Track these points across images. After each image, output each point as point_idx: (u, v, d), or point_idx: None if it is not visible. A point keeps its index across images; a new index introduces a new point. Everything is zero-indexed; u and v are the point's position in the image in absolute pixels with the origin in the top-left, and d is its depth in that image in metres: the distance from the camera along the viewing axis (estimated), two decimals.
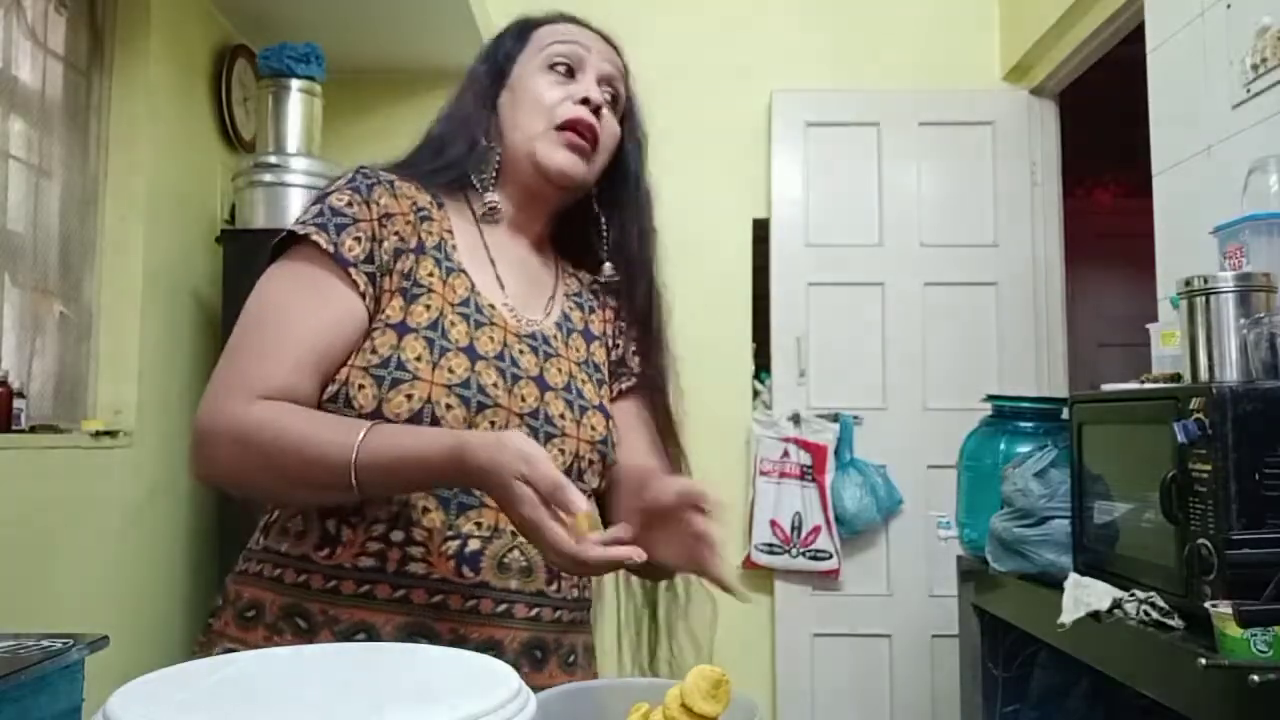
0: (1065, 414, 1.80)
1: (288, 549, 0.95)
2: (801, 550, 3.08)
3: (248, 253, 2.91)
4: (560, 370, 1.05)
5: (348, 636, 0.91)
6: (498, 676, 0.66)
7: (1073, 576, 1.58)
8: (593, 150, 1.07)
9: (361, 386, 0.93)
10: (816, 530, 3.08)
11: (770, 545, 3.11)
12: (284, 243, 0.98)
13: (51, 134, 2.48)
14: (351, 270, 0.95)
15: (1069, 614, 1.51)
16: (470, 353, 0.97)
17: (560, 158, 1.06)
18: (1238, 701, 1.12)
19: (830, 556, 3.07)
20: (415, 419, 0.92)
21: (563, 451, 1.01)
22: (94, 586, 2.42)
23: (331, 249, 0.95)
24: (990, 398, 2.24)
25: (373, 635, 0.91)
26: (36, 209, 2.41)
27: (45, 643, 1.60)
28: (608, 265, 1.14)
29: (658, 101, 3.57)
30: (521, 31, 1.13)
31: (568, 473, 0.99)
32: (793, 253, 3.23)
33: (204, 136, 3.06)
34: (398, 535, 0.93)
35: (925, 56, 3.32)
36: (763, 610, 3.18)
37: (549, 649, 0.98)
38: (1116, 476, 1.58)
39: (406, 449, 0.87)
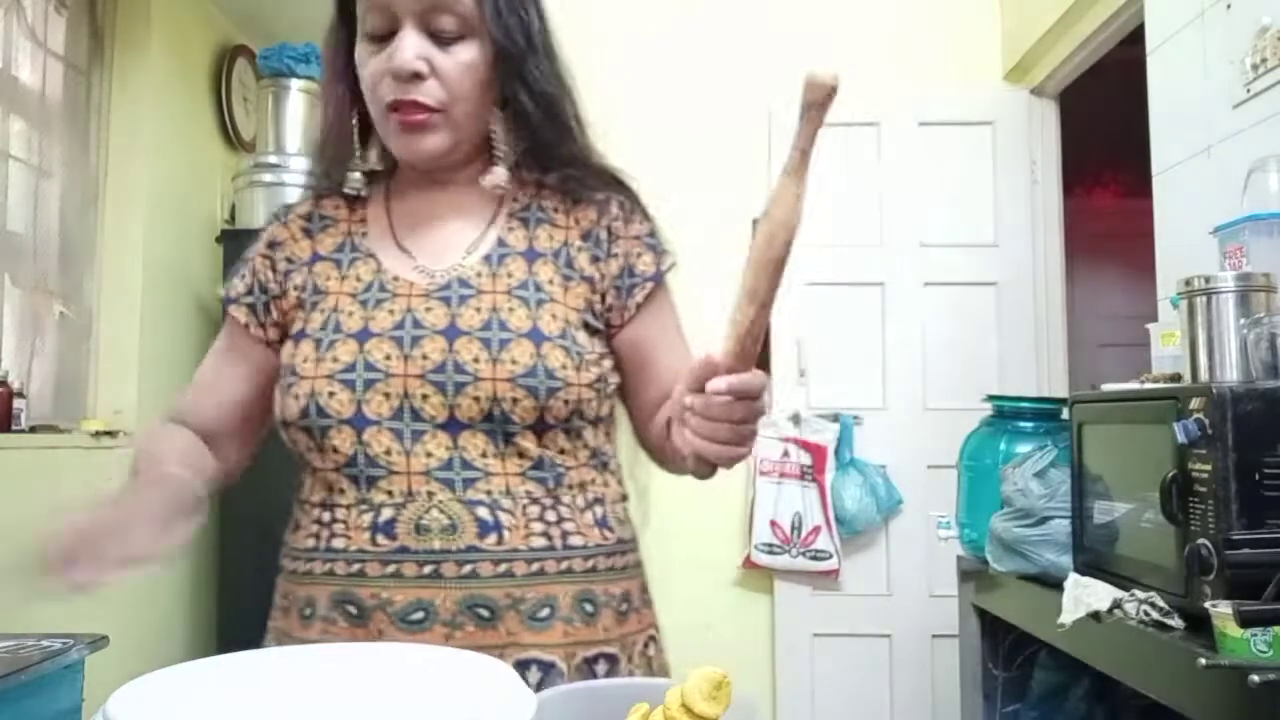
0: (1065, 414, 1.80)
1: (285, 536, 1.05)
2: (801, 550, 3.08)
3: None
4: (480, 309, 0.98)
5: (300, 611, 0.98)
6: (498, 677, 0.66)
7: (1073, 576, 1.58)
8: (435, 114, 0.98)
9: (277, 398, 1.01)
10: (816, 530, 3.08)
11: (770, 545, 3.10)
12: None
13: (51, 134, 2.48)
14: (231, 307, 1.07)
15: (1069, 614, 1.51)
16: (361, 335, 0.97)
17: (401, 145, 1.00)
18: (1238, 701, 1.12)
19: (830, 556, 3.07)
20: (304, 414, 0.96)
21: (476, 399, 0.94)
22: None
23: (224, 293, 1.09)
24: (990, 398, 2.24)
25: (314, 608, 0.97)
26: (36, 209, 2.41)
27: (45, 643, 1.60)
28: (496, 171, 1.03)
29: (659, 102, 3.56)
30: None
31: (488, 418, 0.94)
32: (793, 253, 3.22)
33: (204, 136, 3.06)
34: (325, 516, 0.98)
35: (925, 56, 3.32)
36: (763, 610, 3.18)
37: (498, 606, 0.93)
38: (1116, 476, 1.58)
39: None
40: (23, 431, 2.19)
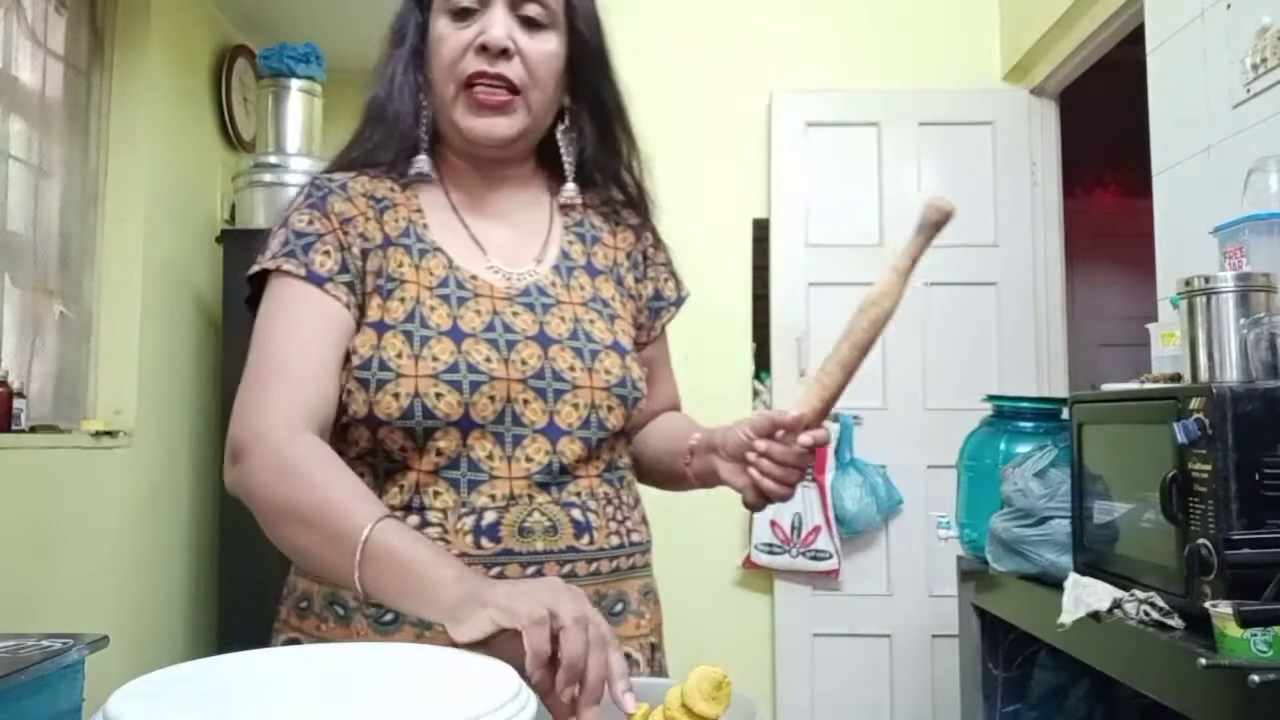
0: (1065, 414, 1.80)
1: None
2: (801, 550, 3.08)
3: (248, 253, 2.90)
4: (564, 318, 1.00)
5: (376, 620, 0.92)
6: (498, 676, 0.66)
7: (1073, 576, 1.58)
8: (515, 96, 0.98)
9: (350, 392, 0.94)
10: (816, 530, 3.08)
11: (770, 545, 3.10)
12: (263, 277, 0.99)
13: (51, 134, 2.48)
14: (329, 286, 0.96)
15: (1069, 614, 1.51)
16: (455, 334, 0.95)
17: (473, 124, 0.99)
18: (1238, 701, 1.12)
19: (830, 556, 3.07)
20: (407, 415, 0.92)
21: (576, 406, 0.97)
22: (94, 586, 2.42)
23: (304, 272, 0.96)
24: (990, 398, 2.24)
25: (399, 614, 0.91)
26: (36, 209, 2.41)
27: (45, 643, 1.60)
28: (568, 187, 1.07)
29: (659, 102, 3.58)
30: None
31: (585, 425, 0.97)
32: (793, 253, 3.23)
33: (204, 136, 3.06)
34: (414, 520, 0.93)
35: (925, 56, 3.32)
36: (763, 610, 3.18)
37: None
38: (1116, 476, 1.58)
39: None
40: (23, 431, 2.19)
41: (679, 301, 1.16)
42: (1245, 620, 1.08)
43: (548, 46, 0.99)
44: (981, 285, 3.19)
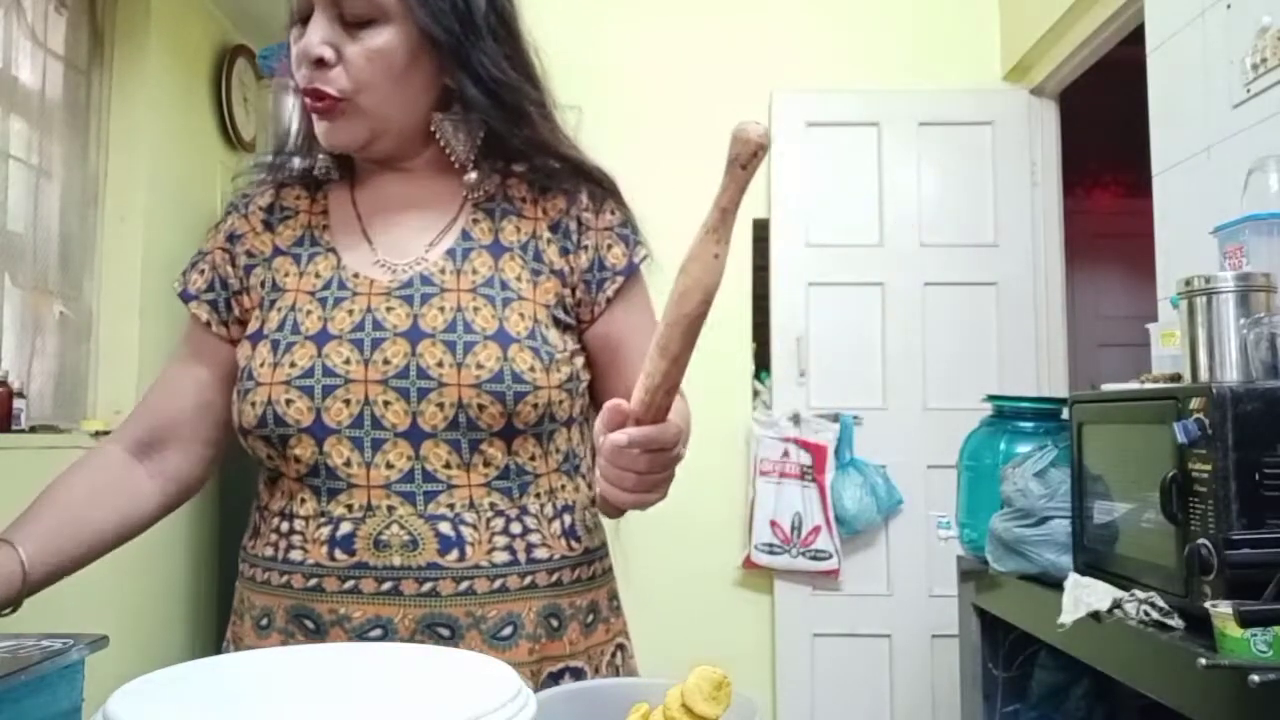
0: (1065, 414, 1.80)
1: (243, 541, 1.02)
2: (801, 550, 3.08)
3: None
4: (444, 309, 0.93)
5: (257, 621, 0.96)
6: (498, 676, 0.66)
7: (1073, 576, 1.58)
8: (341, 102, 0.93)
9: (234, 404, 0.97)
10: (816, 530, 3.08)
11: (770, 545, 3.10)
12: None
13: (51, 134, 2.48)
14: (193, 305, 1.03)
15: (1069, 614, 1.51)
16: (320, 338, 0.93)
17: (319, 132, 0.96)
18: (1238, 701, 1.12)
19: (830, 556, 3.07)
20: (261, 423, 0.92)
21: (441, 406, 0.90)
22: (94, 586, 2.42)
23: (180, 288, 1.04)
24: (990, 398, 2.24)
25: (271, 619, 0.94)
26: (36, 209, 2.41)
27: (45, 643, 1.60)
28: (468, 176, 0.99)
29: (658, 102, 3.55)
30: None
31: (453, 426, 0.90)
32: (793, 253, 3.23)
33: (204, 136, 3.06)
34: (284, 526, 0.95)
35: (925, 56, 3.32)
36: (763, 610, 3.18)
37: (459, 625, 0.91)
38: (1116, 476, 1.58)
39: None
40: (23, 431, 2.19)
41: (629, 269, 1.01)
42: (1245, 620, 1.08)
43: (374, 43, 0.92)
44: (981, 285, 3.20)
